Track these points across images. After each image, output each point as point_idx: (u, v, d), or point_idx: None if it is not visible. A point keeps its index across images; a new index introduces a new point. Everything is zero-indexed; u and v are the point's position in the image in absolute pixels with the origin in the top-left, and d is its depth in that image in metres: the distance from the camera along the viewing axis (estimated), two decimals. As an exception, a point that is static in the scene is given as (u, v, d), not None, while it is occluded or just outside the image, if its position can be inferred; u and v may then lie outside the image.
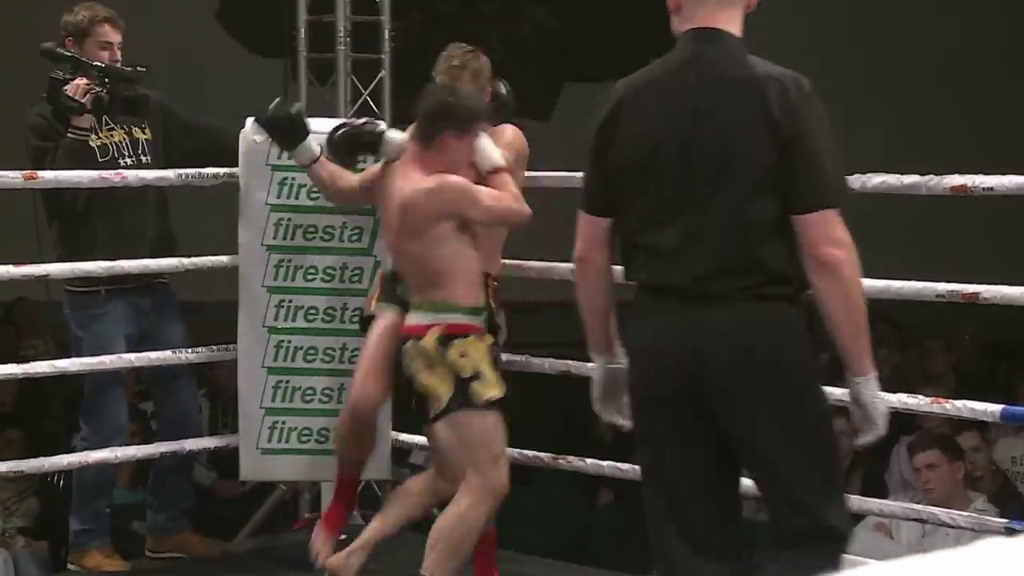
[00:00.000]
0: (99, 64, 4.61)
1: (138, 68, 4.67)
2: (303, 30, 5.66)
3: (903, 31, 10.19)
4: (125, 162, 4.69)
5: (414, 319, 4.02)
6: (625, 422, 3.20)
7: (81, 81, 4.53)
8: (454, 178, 3.98)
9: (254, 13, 8.89)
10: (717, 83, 2.97)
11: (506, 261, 4.55)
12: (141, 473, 5.62)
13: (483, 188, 4.01)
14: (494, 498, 4.00)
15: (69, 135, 4.57)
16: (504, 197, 4.00)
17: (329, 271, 4.89)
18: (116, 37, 4.67)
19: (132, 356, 4.68)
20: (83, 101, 4.52)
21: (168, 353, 4.78)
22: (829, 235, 2.89)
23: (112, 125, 4.68)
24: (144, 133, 4.76)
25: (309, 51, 5.69)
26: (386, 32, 5.69)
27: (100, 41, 4.63)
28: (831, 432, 3.11)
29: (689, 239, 2.96)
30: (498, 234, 4.39)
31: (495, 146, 4.09)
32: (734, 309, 2.94)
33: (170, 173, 4.75)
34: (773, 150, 2.91)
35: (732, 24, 3.01)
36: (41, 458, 4.71)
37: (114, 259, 4.58)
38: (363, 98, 5.70)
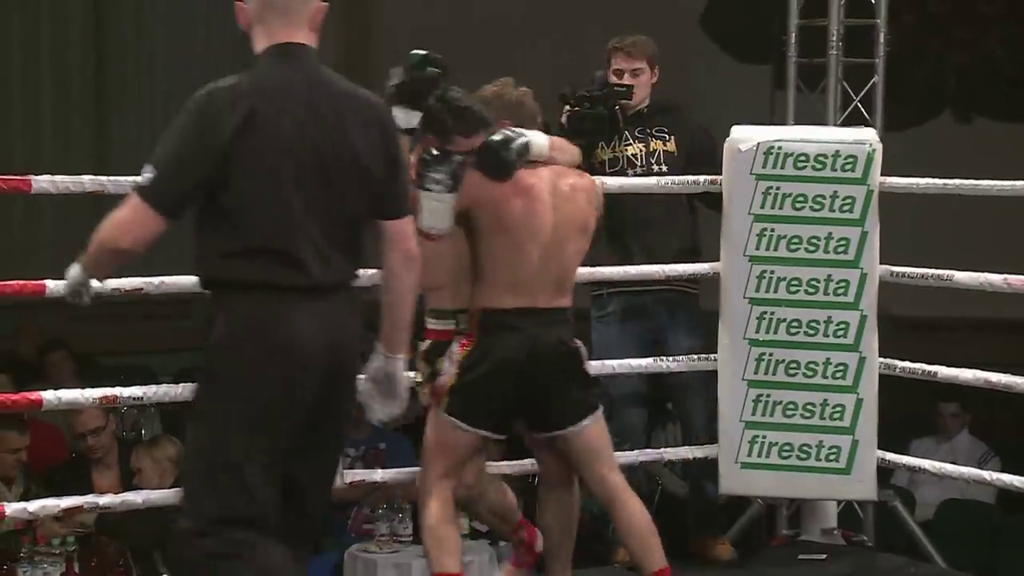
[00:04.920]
0: (583, 91, 4.80)
1: (615, 88, 4.85)
2: (794, 34, 5.56)
3: None
4: (633, 172, 4.86)
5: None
6: None
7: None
8: None
9: (740, 17, 8.82)
10: None
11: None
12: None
13: None
14: None
15: None
16: None
17: (813, 283, 4.76)
18: (626, 64, 4.90)
19: (615, 363, 4.70)
20: (562, 122, 4.76)
21: (648, 361, 4.79)
22: None
23: (629, 140, 4.90)
24: (666, 145, 4.92)
25: (799, 56, 5.59)
26: (881, 36, 5.52)
27: (614, 69, 4.93)
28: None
29: None
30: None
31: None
32: None
33: (650, 181, 4.80)
34: None
35: None
36: (526, 459, 4.77)
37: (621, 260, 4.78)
38: (854, 104, 5.56)
